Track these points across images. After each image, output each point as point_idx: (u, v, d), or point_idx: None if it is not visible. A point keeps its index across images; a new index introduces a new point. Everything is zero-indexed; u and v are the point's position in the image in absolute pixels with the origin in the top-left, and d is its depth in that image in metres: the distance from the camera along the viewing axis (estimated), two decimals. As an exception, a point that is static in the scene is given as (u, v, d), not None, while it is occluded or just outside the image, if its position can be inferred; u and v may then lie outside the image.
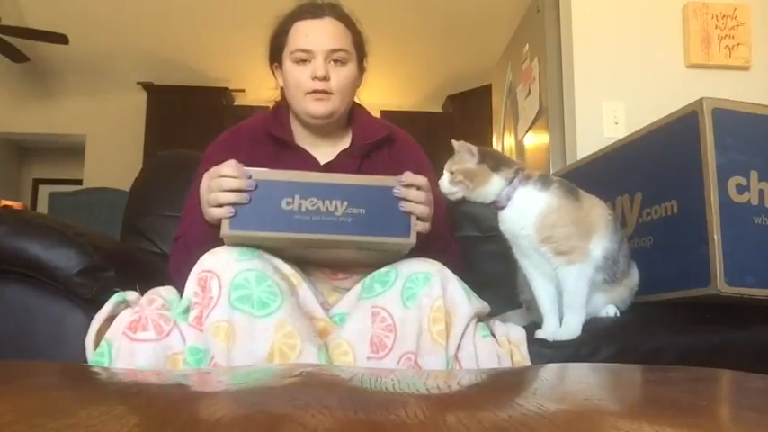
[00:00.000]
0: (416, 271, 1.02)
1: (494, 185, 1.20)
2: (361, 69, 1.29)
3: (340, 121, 1.29)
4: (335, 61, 1.20)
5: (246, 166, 1.01)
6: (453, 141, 1.26)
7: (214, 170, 1.02)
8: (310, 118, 1.23)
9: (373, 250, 1.05)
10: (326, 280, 1.16)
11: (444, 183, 1.23)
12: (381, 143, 1.29)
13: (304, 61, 1.20)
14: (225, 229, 0.98)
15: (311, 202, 0.98)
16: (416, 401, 0.52)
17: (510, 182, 1.20)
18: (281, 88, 1.30)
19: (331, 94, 1.20)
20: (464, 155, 1.22)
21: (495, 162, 1.21)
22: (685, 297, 1.24)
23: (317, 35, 1.20)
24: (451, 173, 1.23)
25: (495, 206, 1.22)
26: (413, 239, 1.02)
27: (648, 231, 1.36)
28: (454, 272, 1.07)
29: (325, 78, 1.19)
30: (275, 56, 1.27)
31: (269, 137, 1.26)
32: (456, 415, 0.45)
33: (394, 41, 4.55)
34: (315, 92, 1.19)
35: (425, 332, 0.98)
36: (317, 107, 1.20)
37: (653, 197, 1.35)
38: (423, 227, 1.04)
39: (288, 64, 1.22)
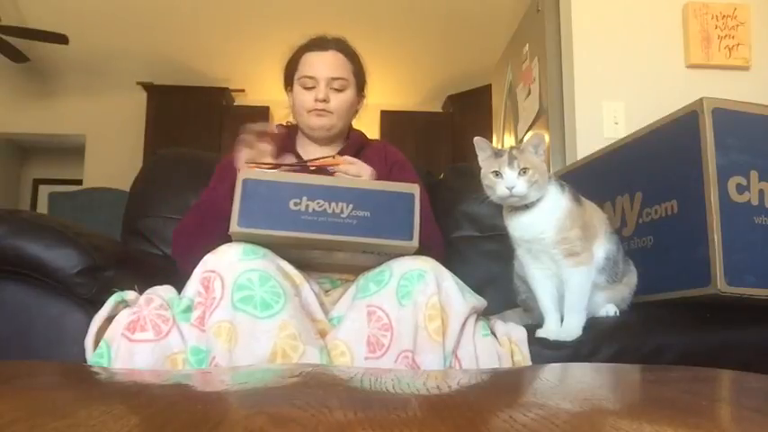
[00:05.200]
0: (410, 269, 1.02)
1: (547, 181, 1.13)
2: (360, 96, 1.48)
3: (338, 138, 1.46)
4: (335, 89, 1.40)
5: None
6: (477, 138, 1.16)
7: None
8: (311, 130, 1.42)
9: (376, 253, 1.06)
10: (327, 274, 1.17)
11: (522, 184, 1.09)
12: (363, 147, 1.46)
13: (309, 87, 1.39)
14: (233, 226, 1.01)
15: (318, 203, 1.01)
16: (416, 401, 0.52)
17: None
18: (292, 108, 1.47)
19: (330, 113, 1.40)
20: (529, 147, 1.10)
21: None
22: (685, 297, 1.24)
23: (320, 65, 1.40)
24: (524, 170, 1.09)
25: (525, 206, 1.15)
26: (415, 242, 1.04)
27: (648, 231, 1.36)
28: (439, 258, 1.09)
29: (325, 101, 1.39)
30: (288, 81, 1.47)
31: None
32: (456, 415, 0.45)
33: (394, 41, 4.55)
34: (315, 110, 1.39)
35: (422, 330, 0.98)
36: (317, 121, 1.40)
37: (653, 197, 1.35)
38: None
39: (297, 88, 1.42)
